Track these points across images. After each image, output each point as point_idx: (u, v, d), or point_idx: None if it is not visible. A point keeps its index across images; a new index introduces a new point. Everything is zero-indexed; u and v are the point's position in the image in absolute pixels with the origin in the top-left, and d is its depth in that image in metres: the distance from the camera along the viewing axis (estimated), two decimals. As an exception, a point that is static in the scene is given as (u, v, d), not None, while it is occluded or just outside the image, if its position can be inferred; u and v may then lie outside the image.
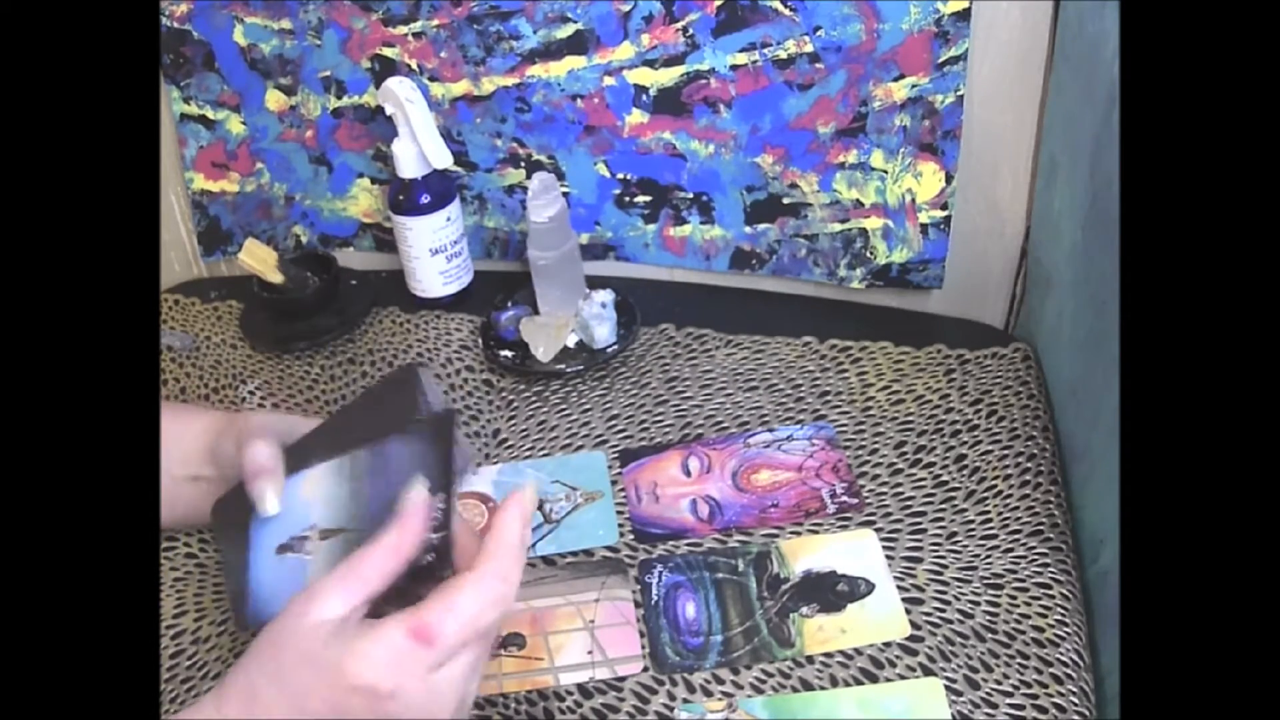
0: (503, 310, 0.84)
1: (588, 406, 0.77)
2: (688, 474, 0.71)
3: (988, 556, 0.63)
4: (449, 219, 0.84)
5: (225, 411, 0.66)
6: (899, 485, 0.68)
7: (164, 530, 0.68)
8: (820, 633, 0.60)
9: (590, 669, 0.59)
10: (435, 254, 0.84)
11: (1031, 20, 0.72)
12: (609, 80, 0.80)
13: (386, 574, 0.47)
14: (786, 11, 0.74)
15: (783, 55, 0.76)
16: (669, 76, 0.79)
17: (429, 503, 0.49)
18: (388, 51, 0.84)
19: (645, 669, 0.59)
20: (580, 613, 0.62)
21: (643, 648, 0.60)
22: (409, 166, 0.82)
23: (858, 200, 0.81)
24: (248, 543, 0.55)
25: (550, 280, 0.81)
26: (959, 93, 0.74)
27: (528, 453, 0.73)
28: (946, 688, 0.57)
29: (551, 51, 0.80)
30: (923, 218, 0.80)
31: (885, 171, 0.79)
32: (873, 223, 0.81)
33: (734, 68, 0.77)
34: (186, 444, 0.63)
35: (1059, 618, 0.59)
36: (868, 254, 0.82)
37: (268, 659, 0.46)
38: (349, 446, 0.55)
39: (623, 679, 0.59)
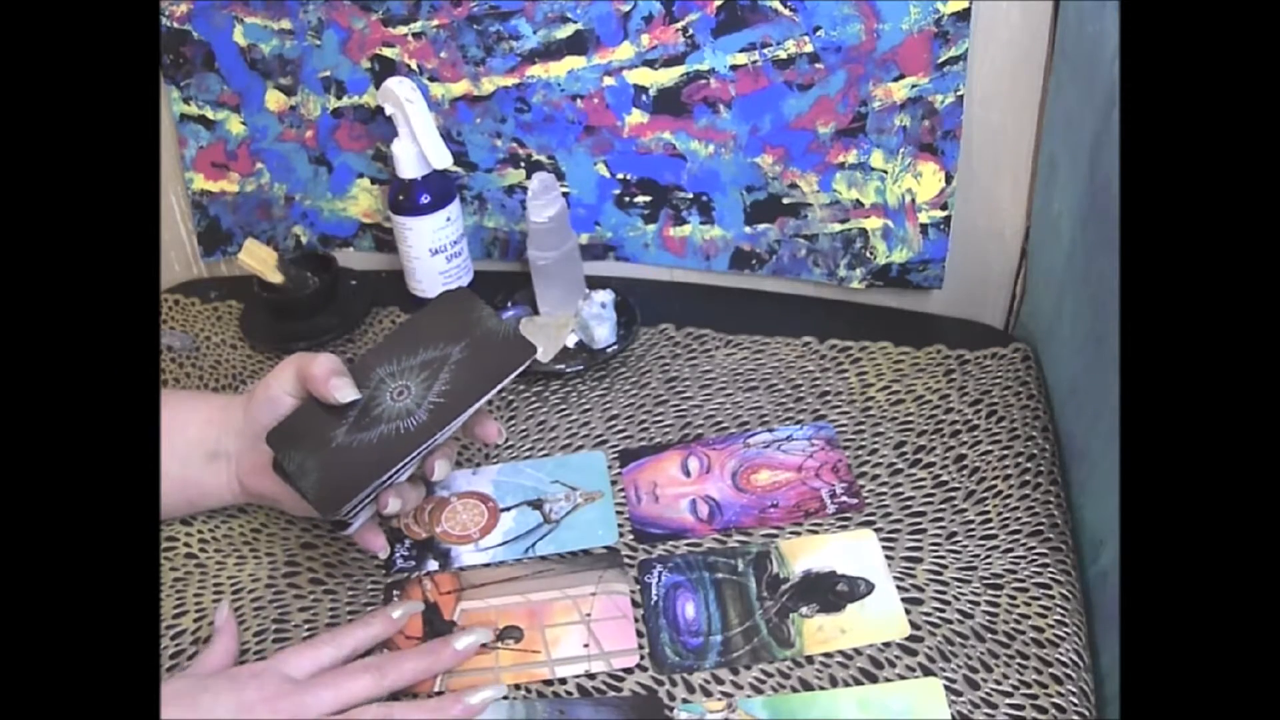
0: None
1: (587, 406, 0.77)
2: (687, 474, 0.71)
3: (987, 556, 0.63)
4: (449, 219, 0.84)
5: (237, 395, 0.68)
6: (899, 485, 0.68)
7: (180, 515, 0.69)
8: (820, 633, 0.60)
9: (586, 662, 0.59)
10: (435, 254, 0.84)
11: (1031, 20, 0.72)
12: (609, 80, 0.80)
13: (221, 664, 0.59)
14: (786, 11, 0.74)
15: (783, 55, 0.76)
16: (669, 76, 0.79)
17: (230, 616, 0.61)
18: (388, 51, 0.84)
19: (642, 659, 0.59)
20: (577, 606, 0.62)
21: (641, 645, 0.60)
22: (409, 167, 0.82)
23: (858, 200, 0.81)
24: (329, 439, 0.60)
25: (550, 280, 0.81)
26: (959, 93, 0.74)
27: (527, 453, 0.73)
28: (946, 688, 0.57)
29: (551, 51, 0.80)
30: (923, 218, 0.80)
31: (885, 171, 0.79)
32: (873, 223, 0.81)
33: (734, 68, 0.77)
34: (202, 421, 0.66)
35: (1059, 618, 0.59)
36: (867, 254, 0.82)
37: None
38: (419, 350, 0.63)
39: (622, 677, 0.59)
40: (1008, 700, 0.56)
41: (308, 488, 0.59)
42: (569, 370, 0.79)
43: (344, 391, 0.60)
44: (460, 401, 0.60)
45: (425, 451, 0.60)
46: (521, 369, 0.61)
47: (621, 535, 0.67)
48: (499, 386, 0.61)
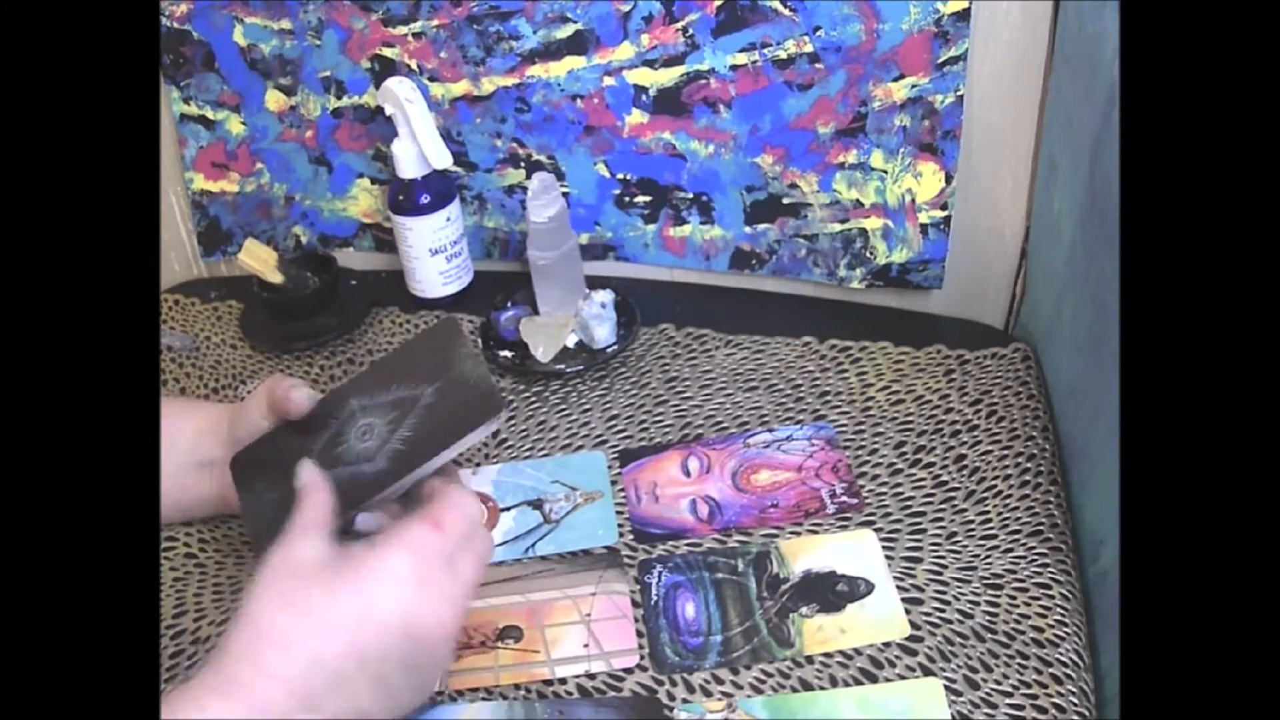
0: (503, 310, 0.84)
1: (587, 406, 0.77)
2: (687, 474, 0.71)
3: (987, 556, 0.63)
4: (449, 219, 0.84)
5: (232, 404, 0.67)
6: (899, 485, 0.68)
7: (171, 522, 0.68)
8: (820, 633, 0.60)
9: (586, 662, 0.59)
10: (435, 254, 0.84)
11: (1031, 20, 0.72)
12: (609, 80, 0.80)
13: (330, 524, 0.52)
14: (786, 11, 0.74)
15: (783, 55, 0.76)
16: (669, 76, 0.79)
17: (319, 473, 0.54)
18: (387, 51, 0.84)
19: (642, 659, 0.59)
20: (577, 606, 0.62)
21: (641, 645, 0.60)
22: (409, 167, 0.82)
23: (858, 200, 0.81)
24: (274, 488, 0.57)
25: (550, 280, 0.81)
26: (959, 93, 0.74)
27: (527, 453, 0.73)
28: (946, 688, 0.57)
29: (551, 51, 0.80)
30: (922, 218, 0.80)
31: (885, 171, 0.79)
32: (873, 223, 0.81)
33: (734, 68, 0.77)
34: (194, 431, 0.65)
35: (1059, 618, 0.59)
36: (867, 254, 0.82)
37: (273, 603, 0.47)
38: (390, 389, 0.59)
39: (622, 677, 0.59)
40: (1008, 700, 0.56)
41: (258, 529, 0.56)
42: (569, 370, 0.79)
43: (299, 402, 0.58)
44: (419, 454, 0.55)
45: (380, 501, 0.56)
46: (485, 428, 0.55)
47: (621, 535, 0.67)
48: (461, 444, 0.55)
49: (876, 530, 0.65)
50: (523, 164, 0.86)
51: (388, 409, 0.58)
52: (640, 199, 0.85)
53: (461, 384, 0.57)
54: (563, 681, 0.59)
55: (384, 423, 0.57)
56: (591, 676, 0.59)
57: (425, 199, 0.83)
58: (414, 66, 0.84)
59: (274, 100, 0.87)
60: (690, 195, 0.84)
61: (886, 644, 0.59)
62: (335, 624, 0.47)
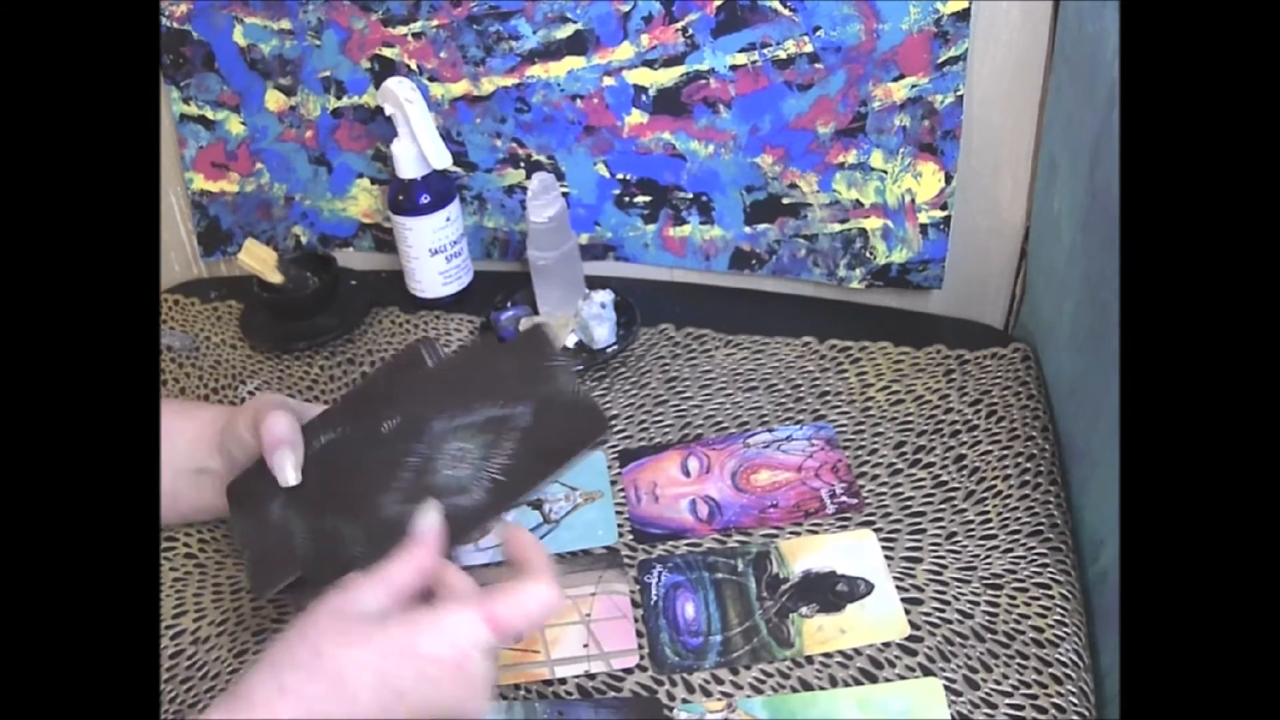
0: (502, 310, 0.84)
1: (587, 406, 0.77)
2: (687, 474, 0.71)
3: (987, 557, 0.63)
4: (449, 219, 0.84)
5: (230, 406, 0.67)
6: (898, 485, 0.68)
7: (167, 525, 0.68)
8: (820, 633, 0.60)
9: (585, 662, 0.59)
10: (435, 254, 0.84)
11: (1031, 20, 0.72)
12: (608, 80, 0.80)
13: (412, 586, 0.50)
14: (786, 11, 0.74)
15: (782, 55, 0.76)
16: (668, 77, 0.79)
17: (439, 528, 0.51)
18: (387, 52, 0.84)
19: (642, 659, 0.59)
20: (577, 606, 0.62)
21: (640, 645, 0.60)
22: (409, 167, 0.82)
23: (857, 200, 0.81)
24: (268, 516, 0.55)
25: (550, 280, 0.81)
26: (959, 93, 0.74)
27: (527, 453, 0.73)
28: (946, 688, 0.57)
29: (551, 52, 0.80)
30: (922, 218, 0.80)
31: (885, 171, 0.79)
32: (872, 223, 0.81)
33: (734, 68, 0.77)
34: (191, 437, 0.64)
35: (1059, 618, 0.59)
36: (867, 254, 0.82)
37: (298, 650, 0.47)
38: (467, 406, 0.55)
39: (622, 677, 0.59)
40: (1007, 700, 0.56)
41: (252, 561, 0.55)
42: (569, 370, 0.79)
43: (286, 472, 0.56)
44: (520, 482, 0.52)
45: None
46: (588, 450, 0.52)
47: (621, 535, 0.67)
48: (565, 469, 0.53)
49: (876, 530, 0.65)
50: (523, 164, 0.86)
51: (477, 431, 0.54)
52: (640, 199, 0.85)
53: (559, 402, 0.53)
54: (562, 682, 0.59)
55: (477, 447, 0.53)
56: (591, 677, 0.59)
57: (425, 199, 0.83)
58: (414, 66, 0.84)
59: (274, 100, 0.87)
60: (690, 195, 0.84)
61: (886, 644, 0.59)
62: (354, 699, 0.46)
